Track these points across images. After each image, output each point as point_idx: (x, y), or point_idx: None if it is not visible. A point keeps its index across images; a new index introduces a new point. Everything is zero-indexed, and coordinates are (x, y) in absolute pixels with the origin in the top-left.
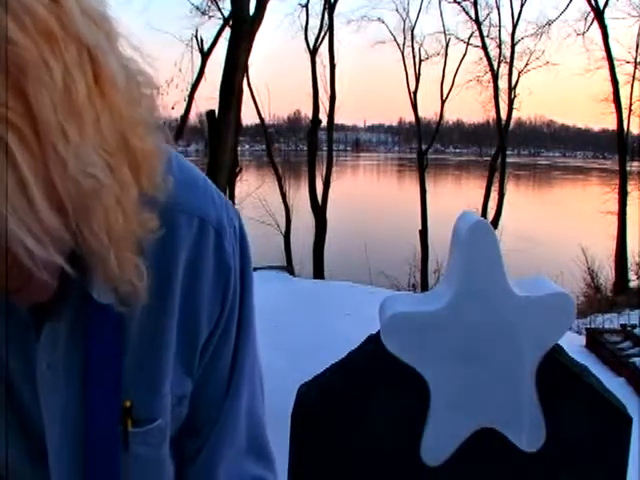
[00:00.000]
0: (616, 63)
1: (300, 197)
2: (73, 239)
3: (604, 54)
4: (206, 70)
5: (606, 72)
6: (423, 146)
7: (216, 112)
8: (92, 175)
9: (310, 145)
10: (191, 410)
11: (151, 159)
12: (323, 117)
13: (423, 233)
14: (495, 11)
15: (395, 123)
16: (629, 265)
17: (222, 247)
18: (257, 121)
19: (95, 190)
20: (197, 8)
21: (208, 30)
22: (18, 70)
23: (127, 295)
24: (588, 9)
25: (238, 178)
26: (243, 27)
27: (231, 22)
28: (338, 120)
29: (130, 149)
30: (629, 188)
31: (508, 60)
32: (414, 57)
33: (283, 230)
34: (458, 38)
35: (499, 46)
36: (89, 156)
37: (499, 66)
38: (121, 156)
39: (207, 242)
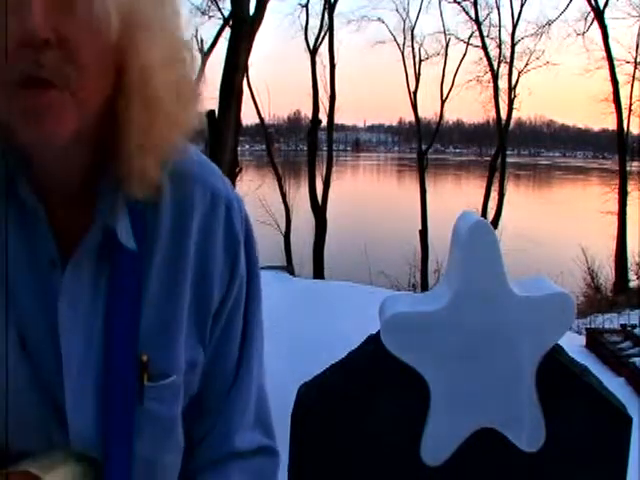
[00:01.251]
0: (616, 63)
1: (300, 197)
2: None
3: (604, 54)
4: (206, 70)
5: (606, 72)
6: (423, 146)
7: (216, 112)
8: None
9: (310, 145)
10: (202, 386)
11: (196, 104)
12: (323, 117)
13: (423, 233)
14: (495, 11)
15: (395, 123)
16: (629, 265)
17: (231, 220)
18: (257, 121)
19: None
20: (197, 8)
21: (208, 30)
22: None
23: (148, 180)
24: (588, 9)
25: (238, 178)
26: (243, 27)
27: (231, 22)
28: (338, 120)
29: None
30: (629, 188)
31: (508, 60)
32: (414, 57)
33: (283, 230)
34: (458, 38)
35: (499, 46)
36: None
37: (499, 66)
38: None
39: (218, 213)
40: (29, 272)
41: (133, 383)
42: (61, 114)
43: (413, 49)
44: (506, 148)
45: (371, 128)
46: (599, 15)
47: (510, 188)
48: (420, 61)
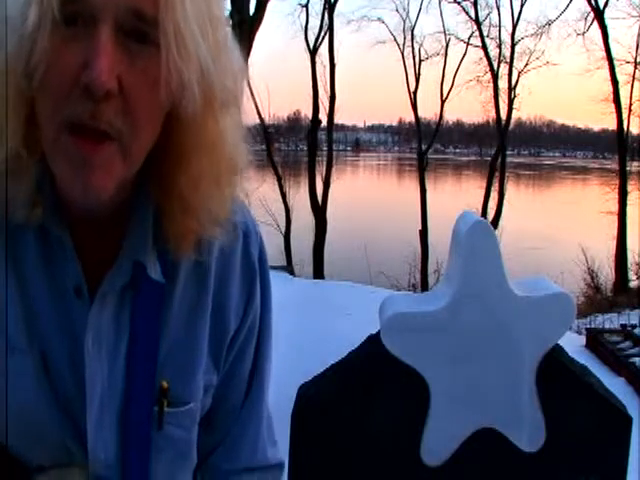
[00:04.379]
0: (616, 63)
1: (300, 197)
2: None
3: (604, 54)
4: None
5: (606, 72)
6: (423, 146)
7: None
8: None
9: (310, 145)
10: (213, 404)
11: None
12: (323, 117)
13: (423, 233)
14: (495, 11)
15: (395, 123)
16: (629, 265)
17: (248, 250)
18: (257, 121)
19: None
20: None
21: None
22: None
23: (203, 226)
24: (588, 9)
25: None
26: (243, 27)
27: (231, 22)
28: (338, 120)
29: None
30: (629, 188)
31: (508, 60)
32: (414, 57)
33: (283, 230)
34: (458, 38)
35: (499, 46)
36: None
37: (499, 66)
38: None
39: (236, 244)
40: (52, 297)
41: (152, 409)
42: (111, 168)
43: (413, 49)
44: (506, 148)
45: (371, 128)
46: (599, 15)
47: (518, 189)
48: (420, 61)
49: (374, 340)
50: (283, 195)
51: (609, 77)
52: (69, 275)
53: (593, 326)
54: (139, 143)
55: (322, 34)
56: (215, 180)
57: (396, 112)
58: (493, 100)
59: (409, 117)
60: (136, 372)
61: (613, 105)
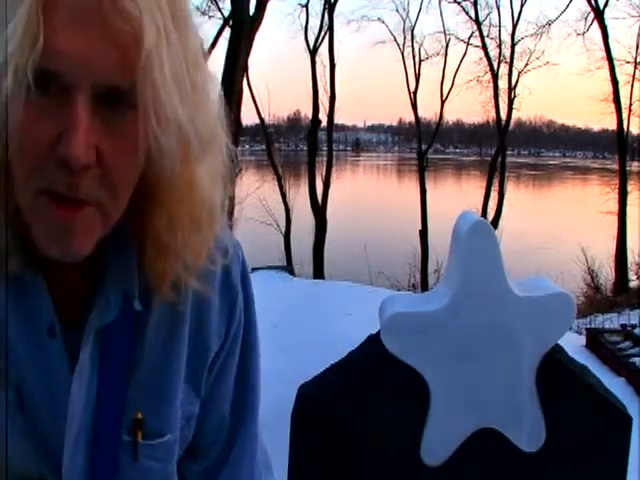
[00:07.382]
0: (616, 63)
1: (300, 197)
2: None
3: (604, 54)
4: None
5: (606, 72)
6: (423, 146)
7: None
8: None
9: (310, 145)
10: (196, 432)
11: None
12: (323, 117)
13: (423, 233)
14: (495, 11)
15: (395, 123)
16: (629, 265)
17: (229, 270)
18: (257, 121)
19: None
20: (197, 8)
21: (208, 30)
22: None
23: (182, 270)
24: (588, 9)
25: (238, 178)
26: (243, 27)
27: (231, 22)
28: (338, 120)
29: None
30: (629, 188)
31: (508, 60)
32: (414, 57)
33: (283, 230)
34: (458, 38)
35: (499, 46)
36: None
37: (499, 66)
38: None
39: (215, 264)
40: (27, 337)
41: (121, 440)
42: (91, 231)
43: (413, 49)
44: (506, 148)
45: (371, 128)
46: (599, 15)
47: (519, 190)
48: (420, 61)
49: (374, 340)
50: (283, 195)
51: (609, 77)
52: (42, 316)
53: (593, 326)
54: (118, 205)
55: (322, 34)
56: (194, 225)
57: (396, 112)
58: (493, 100)
59: (409, 117)
60: (106, 402)
61: (613, 105)
